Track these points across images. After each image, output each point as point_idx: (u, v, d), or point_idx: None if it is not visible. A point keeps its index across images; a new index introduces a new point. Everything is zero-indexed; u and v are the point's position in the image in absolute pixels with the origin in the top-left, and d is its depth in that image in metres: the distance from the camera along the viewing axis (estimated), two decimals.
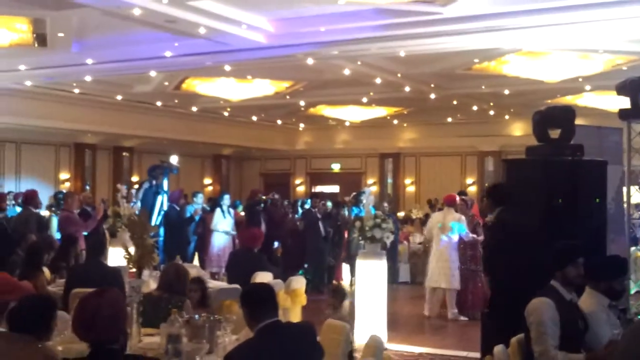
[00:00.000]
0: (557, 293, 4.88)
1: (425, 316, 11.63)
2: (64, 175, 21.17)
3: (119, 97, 17.88)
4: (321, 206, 15.17)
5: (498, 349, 4.97)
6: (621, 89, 7.87)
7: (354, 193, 15.69)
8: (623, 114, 7.86)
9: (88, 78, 14.87)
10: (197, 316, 5.45)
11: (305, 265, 14.45)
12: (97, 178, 21.26)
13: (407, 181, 25.01)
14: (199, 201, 14.22)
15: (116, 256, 9.48)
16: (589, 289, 5.07)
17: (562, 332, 4.70)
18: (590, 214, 6.85)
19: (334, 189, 25.35)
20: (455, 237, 11.39)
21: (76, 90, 16.77)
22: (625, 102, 7.85)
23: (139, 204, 12.25)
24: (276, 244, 14.81)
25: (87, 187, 20.41)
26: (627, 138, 7.99)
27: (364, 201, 10.18)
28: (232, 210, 14.29)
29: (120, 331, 3.96)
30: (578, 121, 7.48)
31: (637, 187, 8.53)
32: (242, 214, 15.49)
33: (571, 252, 5.06)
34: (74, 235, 10.32)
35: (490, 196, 7.38)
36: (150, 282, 7.35)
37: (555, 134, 7.14)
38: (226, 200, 14.06)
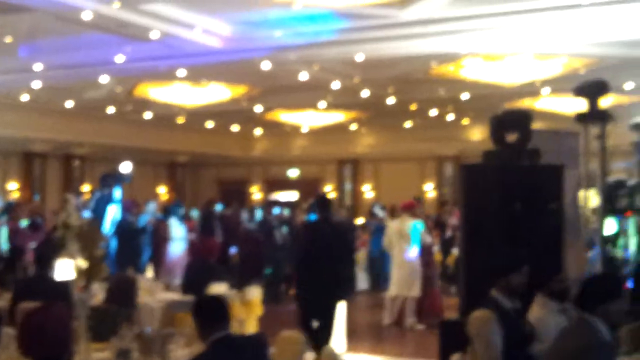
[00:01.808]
0: (496, 303, 4.82)
1: (384, 325, 11.51)
2: (12, 185, 20.62)
3: (70, 104, 17.50)
4: (274, 217, 14.99)
5: (456, 357, 4.91)
6: (578, 92, 7.86)
7: (310, 200, 15.54)
8: (580, 117, 7.84)
9: (37, 84, 14.49)
10: (148, 329, 5.28)
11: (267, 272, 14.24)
12: (47, 188, 20.76)
13: (366, 187, 24.95)
14: (151, 210, 13.94)
15: (65, 268, 9.19)
16: (538, 297, 5.04)
17: (504, 343, 4.63)
18: (547, 219, 6.80)
19: (292, 196, 25.19)
20: (414, 251, 11.29)
21: (25, 97, 16.35)
22: (582, 105, 7.84)
23: (90, 213, 11.96)
24: (233, 250, 14.59)
25: (37, 197, 19.93)
26: (584, 141, 7.97)
27: None
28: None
29: (66, 347, 3.81)
30: (536, 125, 7.44)
31: (594, 190, 8.52)
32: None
33: (514, 260, 5.00)
34: (22, 247, 10.02)
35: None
36: (100, 294, 7.13)
37: (512, 138, 7.08)
38: (181, 209, 13.83)
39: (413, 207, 11.82)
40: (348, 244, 10.02)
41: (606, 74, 10.33)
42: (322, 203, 9.07)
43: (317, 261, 8.50)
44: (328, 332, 8.54)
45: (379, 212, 15.93)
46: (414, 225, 11.38)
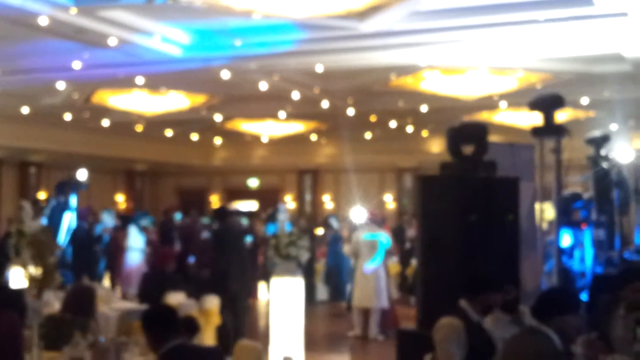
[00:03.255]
0: (464, 314, 4.84)
1: (349, 336, 11.47)
2: None
3: (26, 110, 17.22)
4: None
5: None
6: (534, 106, 7.96)
7: (270, 209, 15.50)
8: (536, 131, 7.94)
9: None
10: (102, 338, 5.21)
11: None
12: (1, 194, 20.41)
13: (326, 198, 24.96)
14: (107, 220, 13.78)
15: (18, 276, 9.04)
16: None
17: (468, 355, 4.65)
18: (504, 231, 6.87)
19: (252, 205, 25.09)
20: (376, 262, 11.31)
21: None
22: (538, 119, 7.94)
23: (46, 221, 11.77)
24: (191, 259, 14.46)
25: None
26: (540, 155, 8.07)
27: (280, 218, 10.01)
28: None
29: (16, 355, 3.74)
30: (493, 138, 7.52)
31: (549, 203, 8.63)
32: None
33: (491, 280, 5.02)
34: None
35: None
36: (55, 303, 7.03)
37: (469, 150, 7.15)
38: (145, 219, 13.68)
39: (381, 218, 11.89)
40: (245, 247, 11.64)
41: (562, 89, 10.51)
42: (222, 213, 11.21)
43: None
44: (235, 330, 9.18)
45: (334, 224, 15.94)
46: (381, 238, 11.40)
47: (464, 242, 6.67)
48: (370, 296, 11.23)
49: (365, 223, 12.07)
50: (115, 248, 13.51)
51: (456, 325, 4.72)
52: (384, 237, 11.47)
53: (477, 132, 7.20)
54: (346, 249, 12.96)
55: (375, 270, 11.27)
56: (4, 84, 13.85)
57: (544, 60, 12.10)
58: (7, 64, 12.53)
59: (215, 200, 26.38)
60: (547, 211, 8.79)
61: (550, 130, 7.81)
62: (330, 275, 15.50)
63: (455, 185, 6.93)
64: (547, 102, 7.87)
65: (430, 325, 6.45)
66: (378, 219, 11.95)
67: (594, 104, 15.39)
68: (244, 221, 15.45)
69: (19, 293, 6.87)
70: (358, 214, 14.20)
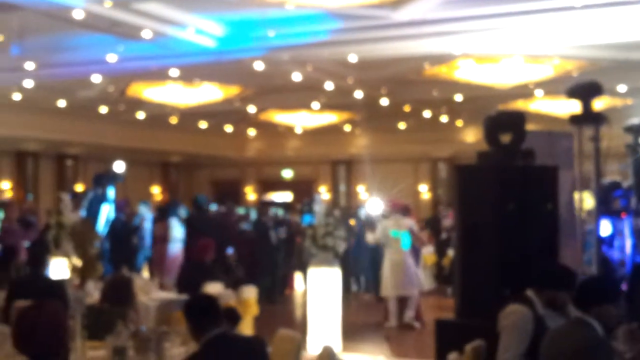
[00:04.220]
0: (532, 305, 4.78)
1: (381, 324, 11.49)
2: (4, 184, 20.54)
3: (62, 103, 17.43)
4: (269, 216, 15.01)
5: (453, 356, 4.90)
6: (572, 93, 7.86)
7: (305, 200, 15.53)
8: (574, 119, 7.84)
9: (29, 83, 14.43)
10: (143, 328, 5.27)
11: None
12: (40, 187, 20.68)
13: (360, 188, 24.93)
14: (143, 211, 13.91)
15: (60, 267, 9.17)
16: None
17: (530, 347, 4.61)
18: (542, 220, 6.81)
19: (286, 196, 25.15)
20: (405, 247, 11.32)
21: (17, 96, 16.28)
22: (575, 107, 7.85)
23: (84, 213, 11.93)
24: (230, 250, 14.55)
25: (30, 197, 19.84)
26: (578, 143, 7.98)
27: (316, 209, 10.03)
28: None
29: (61, 345, 3.80)
30: (530, 126, 7.44)
31: (588, 192, 8.53)
32: None
33: (569, 280, 4.94)
34: (15, 246, 9.98)
35: None
36: (96, 293, 7.13)
37: (506, 138, 7.08)
38: (183, 210, 13.82)
39: (404, 207, 11.85)
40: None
41: (599, 76, 10.36)
42: (196, 204, 13.15)
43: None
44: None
45: (362, 215, 15.96)
46: (406, 232, 11.39)
47: (502, 232, 6.62)
48: (405, 284, 11.24)
49: (389, 212, 12.07)
50: (155, 239, 13.61)
51: (527, 314, 4.68)
52: (406, 238, 11.41)
53: (515, 121, 7.12)
54: (370, 237, 12.96)
55: (402, 259, 11.27)
56: (40, 77, 14.03)
57: (580, 47, 11.94)
58: (43, 58, 12.68)
59: (249, 191, 26.51)
60: (586, 200, 8.67)
61: (589, 118, 7.72)
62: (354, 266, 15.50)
63: (493, 175, 6.87)
64: (585, 90, 7.76)
65: (469, 315, 6.45)
66: (401, 208, 11.89)
67: (632, 92, 15.17)
68: (280, 212, 15.53)
69: (62, 283, 7.02)
70: (374, 205, 14.15)
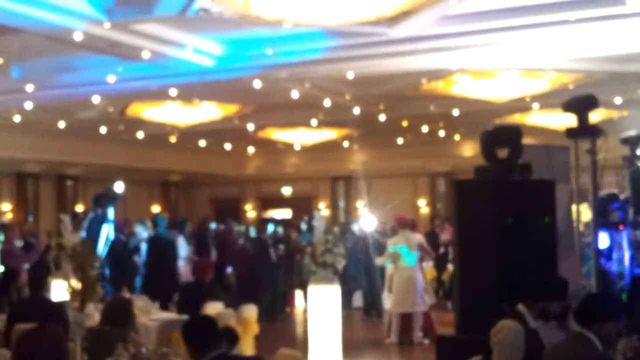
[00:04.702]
0: (523, 319, 4.80)
1: (381, 341, 11.46)
2: (5, 206, 20.56)
3: (62, 124, 17.48)
4: (269, 235, 15.01)
5: None
6: (567, 107, 7.92)
7: (304, 217, 15.53)
8: (570, 132, 7.89)
9: (29, 104, 14.49)
10: (144, 349, 5.26)
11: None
12: (40, 208, 20.69)
13: (359, 204, 24.92)
14: (140, 231, 13.94)
15: (60, 289, 9.17)
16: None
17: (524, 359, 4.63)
18: (540, 234, 6.84)
19: (286, 213, 25.15)
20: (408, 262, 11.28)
21: (17, 117, 16.34)
22: (571, 120, 7.89)
23: (84, 234, 11.94)
24: (229, 269, 14.56)
25: (30, 218, 19.86)
26: (575, 156, 8.01)
27: (315, 226, 10.03)
28: None
29: None
30: (527, 140, 7.48)
31: (586, 205, 8.56)
32: None
33: (562, 289, 4.97)
34: (15, 268, 9.99)
35: None
36: (96, 315, 7.12)
37: (503, 153, 7.12)
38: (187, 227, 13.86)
39: (412, 222, 11.84)
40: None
41: (595, 89, 10.41)
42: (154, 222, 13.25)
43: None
44: None
45: (355, 229, 15.86)
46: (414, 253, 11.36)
47: (501, 246, 6.65)
48: (410, 301, 11.20)
49: (396, 228, 12.02)
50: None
51: (518, 329, 4.70)
52: (411, 248, 11.35)
53: (511, 135, 7.17)
54: (379, 261, 12.67)
55: (413, 275, 11.24)
56: (40, 98, 14.08)
57: (576, 60, 11.99)
58: (42, 79, 12.73)
59: (249, 209, 26.51)
60: (583, 213, 8.70)
61: (585, 131, 7.77)
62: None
63: (491, 189, 6.91)
64: (581, 103, 7.82)
65: (469, 330, 6.46)
66: (409, 224, 11.84)
67: (628, 103, 15.21)
68: (279, 230, 15.53)
69: (62, 306, 7.02)
70: (367, 221, 14.06)
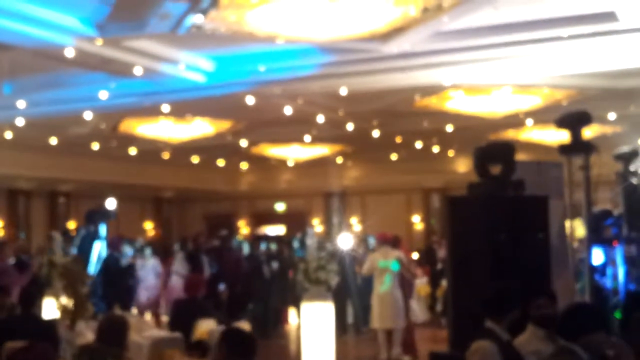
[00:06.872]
0: (494, 335, 4.78)
1: (374, 358, 11.41)
2: None
3: (54, 141, 17.43)
4: (262, 252, 14.96)
5: None
6: (560, 124, 7.91)
7: (298, 234, 15.47)
8: (563, 148, 7.88)
9: (21, 121, 14.44)
10: None
11: (250, 306, 14.14)
12: (32, 225, 20.60)
13: (353, 220, 24.89)
14: (127, 251, 13.92)
15: (51, 307, 9.10)
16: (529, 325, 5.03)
17: None
18: (534, 250, 6.81)
19: (280, 229, 25.09)
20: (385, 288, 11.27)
21: (8, 134, 16.28)
22: (565, 136, 7.88)
23: (76, 251, 11.86)
24: (222, 287, 14.46)
25: (22, 235, 19.76)
26: (568, 172, 8.00)
27: (308, 242, 9.99)
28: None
29: None
30: (520, 156, 7.47)
31: (580, 221, 8.54)
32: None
33: (513, 296, 4.96)
34: (8, 286, 9.90)
35: None
36: (87, 333, 7.05)
37: (496, 169, 7.11)
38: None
39: (392, 239, 11.84)
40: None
41: (588, 105, 10.44)
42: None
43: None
44: None
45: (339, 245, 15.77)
46: (394, 260, 11.36)
47: (494, 262, 6.61)
48: (391, 316, 11.20)
49: (378, 245, 12.06)
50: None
51: (490, 349, 4.67)
52: (395, 264, 11.37)
53: (504, 152, 7.15)
54: (359, 269, 12.81)
55: (391, 291, 11.22)
56: (32, 115, 14.04)
57: (569, 76, 12.03)
58: (34, 96, 12.71)
59: (242, 225, 26.44)
60: (577, 229, 8.68)
61: (578, 147, 7.75)
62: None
63: (484, 206, 6.89)
64: (574, 120, 7.81)
65: (462, 347, 6.40)
66: (389, 240, 11.87)
67: (621, 119, 15.26)
68: (273, 246, 15.45)
69: (52, 324, 6.95)
70: (344, 239, 14.01)
